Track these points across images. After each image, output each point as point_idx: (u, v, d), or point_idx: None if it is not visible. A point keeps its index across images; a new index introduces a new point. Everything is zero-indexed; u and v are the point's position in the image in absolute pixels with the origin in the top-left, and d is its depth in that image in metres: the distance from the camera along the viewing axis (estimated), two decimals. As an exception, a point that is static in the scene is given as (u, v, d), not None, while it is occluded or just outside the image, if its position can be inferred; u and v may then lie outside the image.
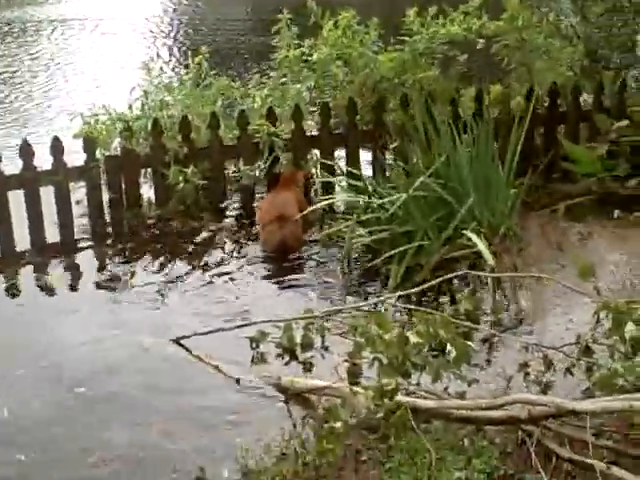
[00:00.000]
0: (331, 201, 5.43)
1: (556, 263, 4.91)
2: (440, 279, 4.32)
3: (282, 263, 5.23)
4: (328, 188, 6.10)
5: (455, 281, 4.75)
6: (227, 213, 6.07)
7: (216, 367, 4.10)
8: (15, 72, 10.99)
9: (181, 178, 5.90)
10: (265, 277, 5.13)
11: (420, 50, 6.44)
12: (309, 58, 6.54)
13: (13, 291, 5.14)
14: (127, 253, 5.55)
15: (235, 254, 5.41)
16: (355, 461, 3.28)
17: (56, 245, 5.70)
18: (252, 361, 4.12)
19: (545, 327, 4.24)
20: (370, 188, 5.33)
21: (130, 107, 6.51)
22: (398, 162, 5.52)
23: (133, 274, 5.21)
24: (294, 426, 3.59)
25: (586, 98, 6.57)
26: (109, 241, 5.76)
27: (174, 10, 16.17)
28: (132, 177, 6.03)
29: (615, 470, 2.85)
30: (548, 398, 3.22)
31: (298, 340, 4.11)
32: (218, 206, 6.10)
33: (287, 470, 3.23)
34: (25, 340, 4.46)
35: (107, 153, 6.04)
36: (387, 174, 5.95)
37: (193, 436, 3.55)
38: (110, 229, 5.92)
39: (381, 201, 5.04)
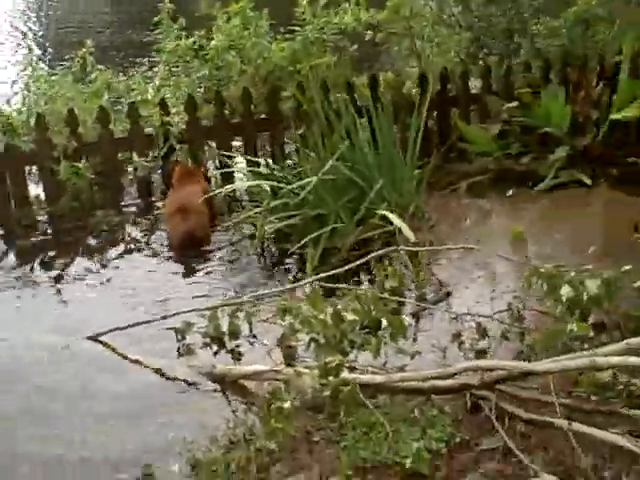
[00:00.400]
0: (236, 186, 5.27)
1: (466, 238, 4.95)
2: (372, 255, 4.28)
3: (192, 254, 5.03)
4: (229, 179, 5.94)
5: (371, 262, 4.71)
6: (124, 207, 5.79)
7: (139, 362, 3.86)
8: None
9: (72, 174, 5.59)
10: (177, 268, 4.91)
11: (311, 39, 6.37)
12: (201, 49, 6.35)
13: None
14: (22, 251, 5.19)
15: (141, 247, 5.16)
16: (307, 442, 3.14)
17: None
18: (179, 353, 3.95)
19: (472, 298, 4.25)
20: (277, 174, 5.20)
21: (8, 101, 6.11)
22: (301, 148, 5.41)
23: (32, 270, 4.88)
24: (234, 413, 3.42)
25: (474, 82, 6.73)
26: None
27: (38, 6, 15.37)
28: (18, 175, 5.65)
29: (576, 425, 2.86)
30: (504, 362, 3.21)
31: (225, 328, 3.99)
32: (114, 200, 5.81)
33: (239, 457, 3.06)
34: None
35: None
36: (287, 161, 5.85)
37: (131, 435, 3.31)
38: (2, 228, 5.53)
39: (293, 186, 4.93)
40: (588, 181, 5.84)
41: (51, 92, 6.00)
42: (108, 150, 5.80)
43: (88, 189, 5.66)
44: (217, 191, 5.35)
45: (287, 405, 2.92)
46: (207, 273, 4.78)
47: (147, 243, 5.24)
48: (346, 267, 4.28)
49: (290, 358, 3.70)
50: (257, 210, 5.07)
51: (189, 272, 4.84)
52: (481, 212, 5.46)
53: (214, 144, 6.09)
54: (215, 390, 3.60)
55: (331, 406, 3.20)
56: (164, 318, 4.02)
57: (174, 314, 4.03)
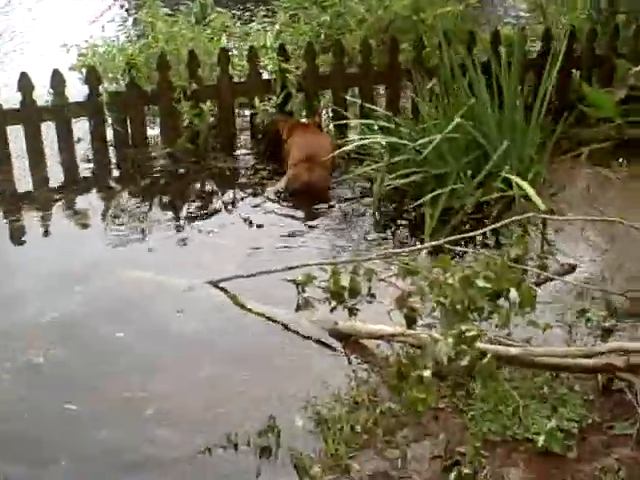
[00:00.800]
0: (365, 142, 5.15)
1: (592, 207, 4.79)
2: (507, 220, 4.14)
3: (310, 205, 5.02)
4: (342, 131, 5.88)
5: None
6: (239, 152, 5.80)
7: (259, 312, 3.90)
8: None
9: (194, 116, 5.62)
10: (296, 220, 4.90)
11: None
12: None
13: (20, 234, 4.86)
14: (141, 193, 5.26)
15: (257, 193, 5.17)
16: (433, 409, 3.13)
17: (63, 185, 5.40)
18: (297, 306, 3.96)
19: (598, 272, 4.13)
20: (400, 129, 5.10)
21: (130, 41, 6.13)
22: (423, 103, 5.29)
23: (148, 214, 4.96)
24: (355, 373, 3.42)
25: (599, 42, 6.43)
26: (118, 181, 5.45)
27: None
28: (138, 114, 5.70)
29: None
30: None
31: (345, 284, 3.97)
32: (231, 145, 5.82)
33: (364, 418, 3.07)
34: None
35: (109, 88, 5.66)
36: (404, 116, 5.73)
37: (255, 385, 3.35)
38: (119, 169, 5.60)
39: (418, 143, 4.82)
40: None
41: (172, 32, 5.96)
42: (226, 94, 5.79)
43: (206, 132, 5.68)
44: (347, 147, 5.25)
45: (427, 374, 2.88)
46: (322, 228, 4.76)
47: (261, 191, 5.24)
48: (479, 231, 4.16)
49: (412, 321, 3.66)
50: (375, 166, 5.00)
51: (308, 225, 4.84)
52: (604, 181, 5.27)
53: (329, 94, 6.01)
54: (333, 348, 3.61)
55: (462, 376, 3.18)
56: (290, 269, 4.02)
57: (297, 266, 4.03)
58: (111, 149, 5.70)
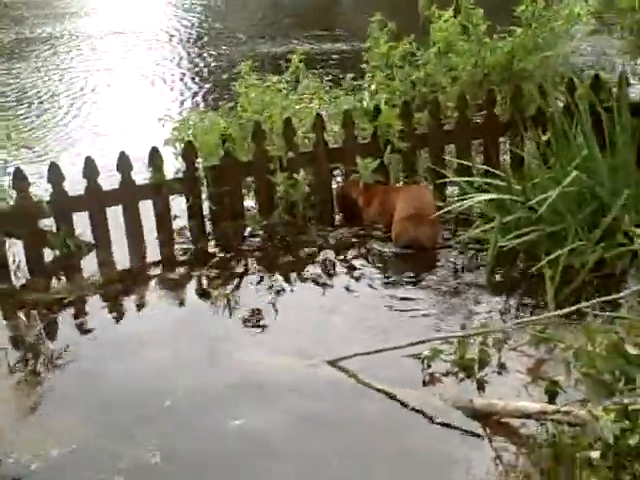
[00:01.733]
0: (475, 200, 4.93)
1: None
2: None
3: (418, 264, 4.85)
4: (441, 190, 5.71)
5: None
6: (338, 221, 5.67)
7: (385, 391, 3.67)
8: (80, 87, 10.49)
9: (289, 186, 5.52)
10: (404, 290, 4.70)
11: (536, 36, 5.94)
12: (412, 55, 6.13)
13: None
14: (243, 269, 5.14)
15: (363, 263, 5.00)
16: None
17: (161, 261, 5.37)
18: (424, 382, 3.74)
19: None
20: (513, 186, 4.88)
21: (221, 115, 6.07)
22: (535, 157, 5.07)
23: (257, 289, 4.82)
24: (499, 457, 3.16)
25: None
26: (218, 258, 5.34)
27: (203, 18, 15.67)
28: (234, 186, 5.62)
29: None
30: None
31: (474, 356, 3.74)
32: (327, 214, 5.70)
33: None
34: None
35: (204, 162, 5.59)
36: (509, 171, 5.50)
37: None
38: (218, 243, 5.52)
39: (535, 200, 4.58)
40: None
41: (265, 100, 5.89)
42: (322, 161, 5.68)
43: (303, 202, 5.57)
44: (453, 206, 5.07)
45: (596, 455, 2.61)
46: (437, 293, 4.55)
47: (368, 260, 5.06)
48: (620, 295, 3.88)
49: (554, 395, 3.39)
50: (488, 226, 4.77)
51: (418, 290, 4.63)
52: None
53: (426, 153, 5.86)
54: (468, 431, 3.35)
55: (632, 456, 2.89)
56: (411, 345, 3.80)
57: (422, 341, 3.81)
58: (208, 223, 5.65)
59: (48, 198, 5.25)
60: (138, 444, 3.42)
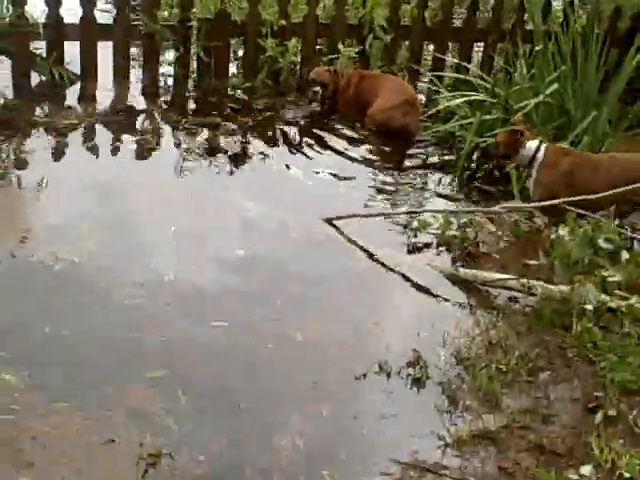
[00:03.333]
0: (461, 100, 5.27)
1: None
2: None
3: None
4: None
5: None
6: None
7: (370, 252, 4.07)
8: None
9: (278, 53, 5.70)
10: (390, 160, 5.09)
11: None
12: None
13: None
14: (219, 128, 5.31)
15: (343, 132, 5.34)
16: (564, 357, 3.37)
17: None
18: (408, 250, 4.15)
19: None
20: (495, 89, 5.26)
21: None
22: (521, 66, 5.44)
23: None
24: (482, 318, 3.63)
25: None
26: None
27: None
28: (224, 44, 5.73)
29: None
30: None
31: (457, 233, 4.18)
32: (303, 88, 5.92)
33: (500, 360, 3.29)
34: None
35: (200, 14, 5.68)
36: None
37: (391, 326, 3.54)
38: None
39: (518, 106, 4.98)
40: None
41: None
42: (311, 34, 5.86)
43: (287, 70, 5.77)
44: (445, 104, 5.42)
45: (590, 307, 3.28)
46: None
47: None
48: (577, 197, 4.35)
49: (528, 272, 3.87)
50: (465, 121, 5.16)
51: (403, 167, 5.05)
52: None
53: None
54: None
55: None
56: (409, 213, 4.23)
57: (414, 212, 4.22)
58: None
59: (43, 21, 5.23)
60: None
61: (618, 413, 3.04)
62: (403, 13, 6.13)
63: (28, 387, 2.85)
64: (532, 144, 4.50)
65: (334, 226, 4.23)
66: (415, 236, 4.19)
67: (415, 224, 4.21)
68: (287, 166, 4.87)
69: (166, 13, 5.72)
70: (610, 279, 3.46)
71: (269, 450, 2.74)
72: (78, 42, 5.35)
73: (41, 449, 2.61)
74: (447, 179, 5.00)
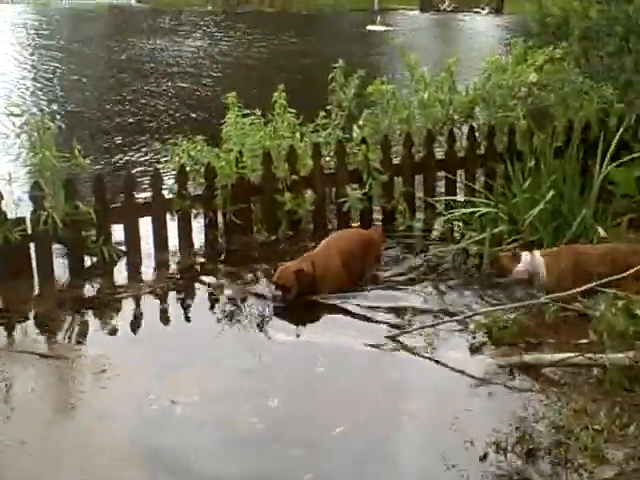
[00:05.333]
0: (482, 212, 6.01)
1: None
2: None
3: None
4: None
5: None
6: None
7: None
8: None
9: (296, 205, 6.39)
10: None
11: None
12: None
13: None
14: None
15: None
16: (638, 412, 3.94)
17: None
18: (471, 350, 4.71)
19: None
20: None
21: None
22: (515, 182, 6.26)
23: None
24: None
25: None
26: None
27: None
28: (246, 204, 6.40)
29: None
30: None
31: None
32: (323, 231, 6.57)
33: (592, 422, 3.83)
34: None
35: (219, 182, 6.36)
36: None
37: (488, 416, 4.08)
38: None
39: (527, 215, 5.73)
40: None
41: (266, 132, 6.73)
42: (319, 184, 6.59)
43: (306, 219, 6.46)
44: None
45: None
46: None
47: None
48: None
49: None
50: (481, 236, 5.86)
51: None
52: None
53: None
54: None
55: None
56: (467, 317, 4.85)
57: (470, 315, 4.85)
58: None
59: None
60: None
61: None
62: (392, 154, 6.94)
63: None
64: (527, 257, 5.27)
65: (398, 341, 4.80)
66: (474, 337, 4.78)
67: (471, 326, 4.81)
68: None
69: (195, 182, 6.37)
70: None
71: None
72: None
73: None
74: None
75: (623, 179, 7.07)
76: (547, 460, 3.62)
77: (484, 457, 3.66)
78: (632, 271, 4.94)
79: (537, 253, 5.36)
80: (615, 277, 4.83)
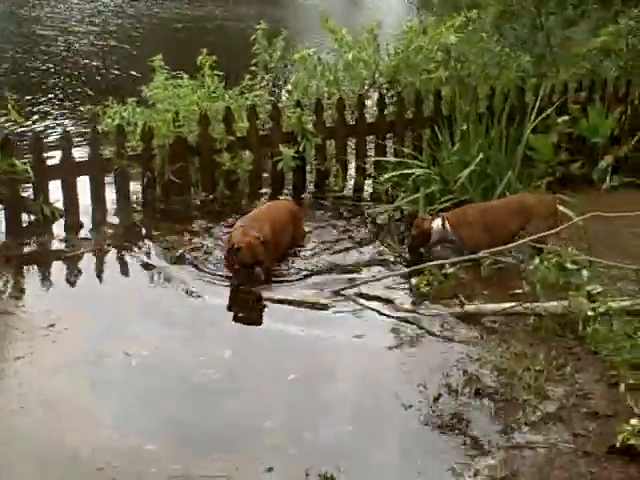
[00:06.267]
0: (417, 173, 6.27)
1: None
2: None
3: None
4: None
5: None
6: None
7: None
8: None
9: (234, 164, 6.48)
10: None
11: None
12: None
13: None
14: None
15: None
16: (572, 354, 4.28)
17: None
18: (414, 303, 4.97)
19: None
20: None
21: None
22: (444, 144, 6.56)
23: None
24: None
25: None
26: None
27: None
28: (184, 164, 6.45)
29: None
30: None
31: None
32: (257, 191, 6.72)
33: (532, 364, 4.14)
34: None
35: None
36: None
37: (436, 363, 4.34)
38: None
39: (460, 175, 6.01)
40: (642, 183, 7.28)
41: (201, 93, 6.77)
42: (255, 145, 6.69)
43: (243, 180, 6.56)
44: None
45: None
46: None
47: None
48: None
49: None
50: (415, 196, 6.12)
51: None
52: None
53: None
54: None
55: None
56: (411, 271, 5.13)
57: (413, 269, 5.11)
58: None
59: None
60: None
61: (635, 382, 3.96)
62: (326, 117, 7.09)
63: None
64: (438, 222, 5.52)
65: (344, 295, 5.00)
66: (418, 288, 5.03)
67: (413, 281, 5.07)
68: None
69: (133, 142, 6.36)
70: (594, 291, 4.43)
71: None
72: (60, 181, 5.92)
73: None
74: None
75: (541, 145, 7.50)
76: (495, 398, 3.90)
77: (437, 398, 3.92)
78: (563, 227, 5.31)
79: (445, 215, 5.59)
80: (547, 233, 5.17)
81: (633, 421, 3.61)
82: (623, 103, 8.06)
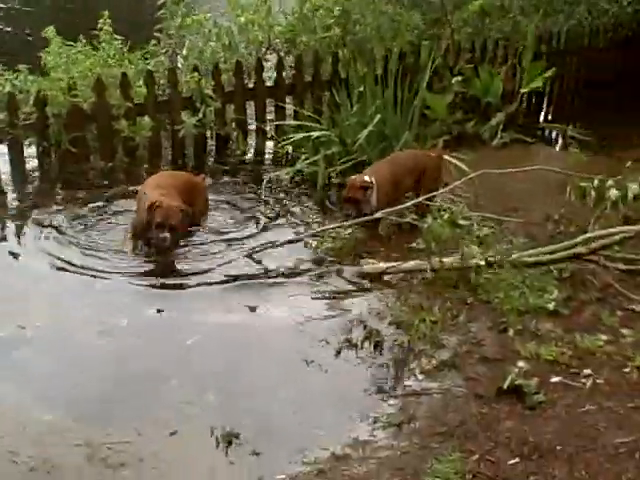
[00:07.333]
0: (315, 135, 6.35)
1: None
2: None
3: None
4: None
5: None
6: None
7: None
8: None
9: (133, 131, 6.42)
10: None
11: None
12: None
13: None
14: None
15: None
16: (464, 304, 4.49)
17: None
18: (315, 262, 5.08)
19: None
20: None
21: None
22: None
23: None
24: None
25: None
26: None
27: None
28: (81, 132, 6.37)
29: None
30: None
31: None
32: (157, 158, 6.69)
33: (427, 316, 4.33)
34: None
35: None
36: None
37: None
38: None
39: (359, 137, 6.13)
40: (530, 140, 7.58)
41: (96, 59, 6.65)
42: (153, 112, 6.64)
43: (142, 146, 6.52)
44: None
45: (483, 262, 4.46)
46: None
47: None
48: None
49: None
50: (316, 157, 6.22)
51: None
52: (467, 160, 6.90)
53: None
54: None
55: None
56: (314, 235, 5.26)
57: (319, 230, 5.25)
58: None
59: None
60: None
61: (522, 327, 4.21)
62: (224, 81, 7.08)
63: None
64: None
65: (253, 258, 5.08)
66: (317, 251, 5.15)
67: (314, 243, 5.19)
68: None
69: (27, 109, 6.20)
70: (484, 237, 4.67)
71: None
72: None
73: None
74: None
75: (437, 104, 7.73)
76: (394, 350, 4.08)
77: (338, 353, 4.07)
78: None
79: (369, 173, 5.61)
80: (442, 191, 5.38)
81: (520, 363, 3.87)
82: (506, 64, 8.37)
